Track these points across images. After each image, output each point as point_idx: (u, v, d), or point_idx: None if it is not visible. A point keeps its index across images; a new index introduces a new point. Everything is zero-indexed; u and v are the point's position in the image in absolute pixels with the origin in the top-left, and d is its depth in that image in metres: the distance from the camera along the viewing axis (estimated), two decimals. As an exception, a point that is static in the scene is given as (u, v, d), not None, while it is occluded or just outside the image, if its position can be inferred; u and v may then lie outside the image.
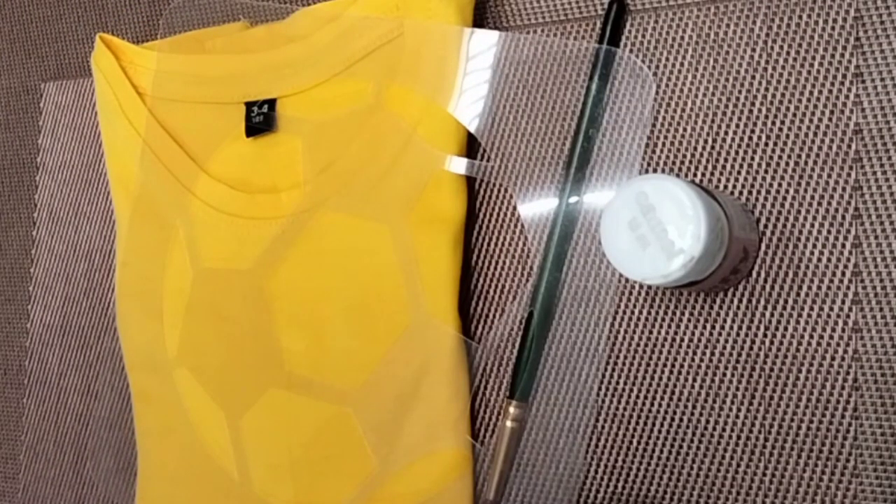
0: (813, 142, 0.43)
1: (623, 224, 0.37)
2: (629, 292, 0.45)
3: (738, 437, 0.43)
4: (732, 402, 0.43)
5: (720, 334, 0.44)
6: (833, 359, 0.42)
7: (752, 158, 0.44)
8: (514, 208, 0.48)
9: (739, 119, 0.44)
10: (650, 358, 0.45)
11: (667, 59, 0.45)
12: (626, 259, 0.37)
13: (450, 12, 0.48)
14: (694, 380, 0.44)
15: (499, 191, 0.49)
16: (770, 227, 0.43)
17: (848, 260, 0.42)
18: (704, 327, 0.44)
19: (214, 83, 0.53)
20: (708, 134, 0.44)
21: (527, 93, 0.48)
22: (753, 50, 0.44)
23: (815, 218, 0.42)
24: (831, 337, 0.42)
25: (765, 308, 0.43)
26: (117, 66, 0.54)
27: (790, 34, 0.43)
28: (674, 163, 0.45)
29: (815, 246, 0.42)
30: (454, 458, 0.47)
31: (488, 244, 0.49)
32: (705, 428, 0.44)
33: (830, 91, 0.42)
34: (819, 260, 0.42)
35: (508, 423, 0.46)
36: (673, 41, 0.45)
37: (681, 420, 0.44)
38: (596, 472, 0.46)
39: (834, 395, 0.41)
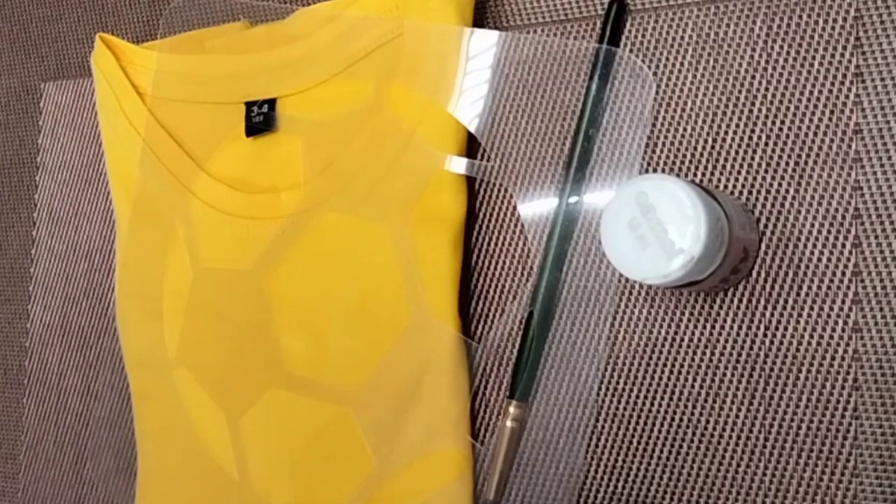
0: (813, 142, 0.43)
1: (623, 224, 0.37)
2: (629, 292, 0.45)
3: (738, 437, 0.43)
4: (732, 402, 0.43)
5: (720, 334, 0.44)
6: (833, 359, 0.42)
7: (752, 158, 0.44)
8: (514, 208, 0.48)
9: (739, 119, 0.44)
10: (650, 358, 0.45)
11: (667, 59, 0.45)
12: (626, 259, 0.37)
13: (449, 12, 0.48)
14: (694, 380, 0.44)
15: (499, 191, 0.49)
16: (770, 227, 0.43)
17: (848, 260, 0.42)
18: (704, 327, 0.44)
19: (214, 83, 0.53)
20: (708, 134, 0.44)
21: (527, 93, 0.48)
22: (753, 50, 0.44)
23: (815, 218, 0.42)
24: (831, 337, 0.42)
25: (765, 308, 0.43)
26: (117, 65, 0.54)
27: (790, 34, 0.43)
28: (674, 163, 0.45)
29: (815, 246, 0.42)
30: (454, 458, 0.47)
31: (488, 244, 0.49)
32: (705, 428, 0.44)
33: (830, 91, 0.42)
34: (819, 260, 0.42)
35: (508, 423, 0.46)
36: (673, 41, 0.45)
37: (681, 420, 0.44)
38: (596, 472, 0.46)
39: (834, 395, 0.41)
